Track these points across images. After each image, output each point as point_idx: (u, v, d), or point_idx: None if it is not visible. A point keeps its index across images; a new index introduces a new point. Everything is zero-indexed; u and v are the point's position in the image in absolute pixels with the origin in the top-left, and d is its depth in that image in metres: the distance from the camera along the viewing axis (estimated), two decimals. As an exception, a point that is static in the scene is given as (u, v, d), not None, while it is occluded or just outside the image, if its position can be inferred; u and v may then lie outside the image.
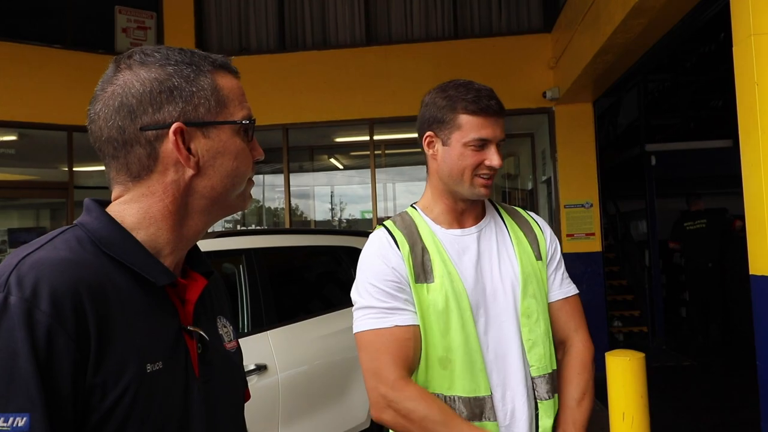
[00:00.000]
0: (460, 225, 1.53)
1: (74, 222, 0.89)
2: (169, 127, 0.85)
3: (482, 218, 1.57)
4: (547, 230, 1.63)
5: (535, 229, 1.60)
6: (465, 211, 1.54)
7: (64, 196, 7.47)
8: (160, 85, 0.86)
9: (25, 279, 0.74)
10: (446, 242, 1.50)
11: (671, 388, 5.69)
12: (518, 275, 1.49)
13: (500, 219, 1.59)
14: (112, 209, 0.89)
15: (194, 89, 0.87)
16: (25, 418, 0.69)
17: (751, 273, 2.76)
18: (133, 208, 0.88)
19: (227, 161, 0.89)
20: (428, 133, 1.54)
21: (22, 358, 0.70)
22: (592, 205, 7.10)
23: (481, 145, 1.45)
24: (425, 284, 1.43)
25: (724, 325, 7.78)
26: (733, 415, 4.83)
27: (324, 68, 7.67)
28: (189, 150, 0.87)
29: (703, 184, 8.42)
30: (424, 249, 1.47)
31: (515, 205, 1.72)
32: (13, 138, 7.53)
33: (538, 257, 1.55)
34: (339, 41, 8.02)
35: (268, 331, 3.15)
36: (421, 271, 1.44)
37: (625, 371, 2.77)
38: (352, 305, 4.30)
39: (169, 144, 0.86)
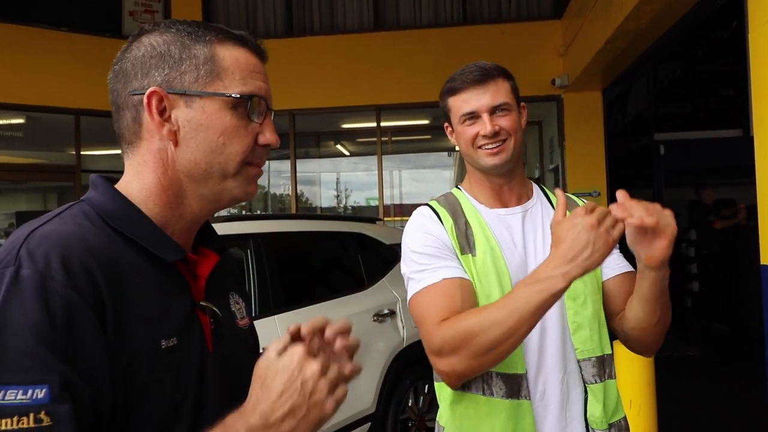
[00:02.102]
0: (504, 204, 1.51)
1: (81, 198, 0.87)
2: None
3: (528, 200, 1.54)
4: None
5: None
6: (503, 187, 1.50)
7: (71, 179, 7.50)
8: (152, 50, 0.85)
9: (36, 251, 0.72)
10: (490, 220, 1.48)
11: (676, 377, 5.69)
12: None
13: (548, 202, 1.56)
14: (121, 183, 0.88)
15: (184, 56, 0.84)
16: (44, 390, 0.67)
17: (762, 263, 2.73)
18: (136, 181, 0.87)
19: (211, 135, 0.85)
20: (445, 125, 1.56)
21: (39, 329, 0.69)
22: (599, 194, 7.07)
23: (472, 118, 1.45)
24: (470, 256, 1.42)
25: (729, 315, 7.78)
26: (738, 405, 4.84)
27: (331, 54, 7.63)
28: (170, 119, 0.84)
29: (712, 175, 8.37)
30: (467, 224, 1.46)
31: None
32: (20, 121, 7.54)
33: None
34: (347, 26, 7.97)
35: (275, 316, 3.16)
36: (466, 243, 1.43)
37: (632, 360, 2.77)
38: (359, 291, 4.25)
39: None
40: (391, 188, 9.21)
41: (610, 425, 1.43)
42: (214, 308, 0.89)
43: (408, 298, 1.44)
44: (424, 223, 1.47)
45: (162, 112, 0.84)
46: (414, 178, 10.43)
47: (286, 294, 3.37)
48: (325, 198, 10.28)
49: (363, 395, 3.56)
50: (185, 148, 0.85)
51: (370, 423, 3.59)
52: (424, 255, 1.41)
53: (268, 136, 0.89)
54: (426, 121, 8.95)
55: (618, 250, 1.54)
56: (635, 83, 8.63)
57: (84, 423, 0.70)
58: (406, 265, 1.46)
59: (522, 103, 1.53)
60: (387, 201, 8.41)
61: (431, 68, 7.18)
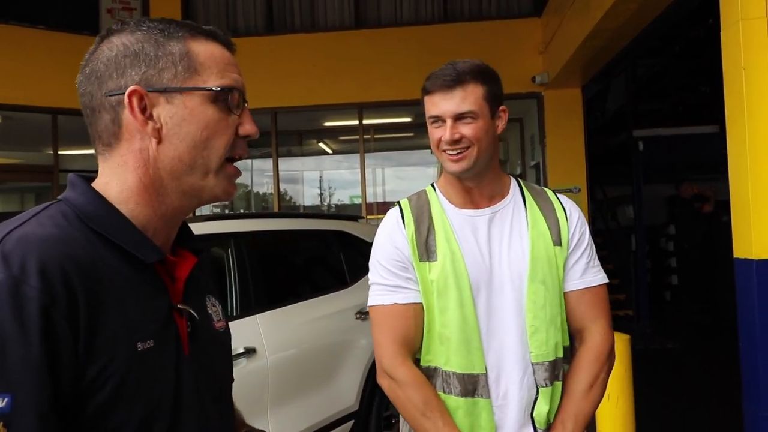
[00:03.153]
0: (474, 205, 1.52)
1: (58, 197, 0.86)
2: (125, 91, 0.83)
3: (501, 199, 1.54)
4: (575, 216, 1.56)
5: (558, 214, 1.54)
6: (473, 189, 1.52)
7: (49, 179, 7.40)
8: (125, 50, 0.84)
9: (11, 255, 0.71)
10: (456, 222, 1.50)
11: (655, 370, 5.78)
12: (527, 260, 1.47)
13: (522, 201, 1.56)
14: (97, 184, 0.87)
15: (160, 53, 0.84)
16: (6, 399, 0.66)
17: (735, 256, 2.79)
18: (114, 182, 0.86)
19: (194, 130, 0.85)
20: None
21: (9, 336, 0.67)
22: (579, 190, 7.14)
23: (437, 122, 1.47)
24: (428, 263, 1.47)
25: (708, 307, 7.92)
26: (714, 396, 4.92)
27: (312, 51, 7.61)
28: (152, 117, 0.84)
29: (690, 170, 8.50)
30: (430, 228, 1.49)
31: None
32: (-4, 121, 7.42)
33: (557, 242, 1.51)
34: (328, 24, 7.96)
35: (256, 315, 3.15)
36: (425, 250, 1.48)
37: (610, 353, 2.81)
38: (341, 289, 4.26)
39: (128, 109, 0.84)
40: (374, 186, 9.22)
41: (549, 424, 1.49)
42: (191, 311, 0.89)
43: (368, 303, 1.54)
44: (392, 233, 1.53)
45: (143, 110, 0.84)
46: (397, 176, 10.44)
47: (268, 293, 3.37)
48: (308, 196, 10.26)
49: (346, 393, 3.57)
50: (168, 145, 0.85)
51: (353, 420, 3.60)
52: (387, 270, 1.50)
53: (247, 127, 0.90)
54: (408, 119, 8.96)
55: (590, 258, 1.55)
56: (614, 80, 8.72)
57: None
58: (370, 271, 1.55)
59: (501, 107, 1.52)
60: (370, 199, 8.41)
61: (413, 65, 7.19)
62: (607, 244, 9.01)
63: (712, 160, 5.97)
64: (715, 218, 7.87)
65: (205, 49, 0.88)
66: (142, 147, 0.85)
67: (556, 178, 7.18)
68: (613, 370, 2.83)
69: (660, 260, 9.02)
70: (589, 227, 1.61)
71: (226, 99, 0.87)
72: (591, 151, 7.61)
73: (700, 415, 4.60)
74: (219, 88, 0.86)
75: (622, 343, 2.84)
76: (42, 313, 0.69)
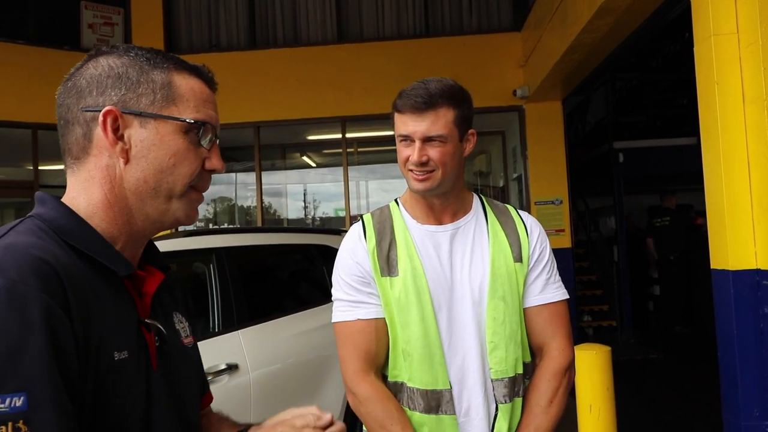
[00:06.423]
0: (437, 221, 1.53)
1: (28, 215, 0.87)
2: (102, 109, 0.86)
3: (464, 215, 1.55)
4: (536, 233, 1.57)
5: (519, 231, 1.55)
6: (436, 206, 1.52)
7: (29, 195, 7.30)
8: (110, 71, 0.88)
9: (3, 261, 0.72)
10: (418, 237, 1.51)
11: (638, 380, 5.82)
12: (488, 276, 1.47)
13: (484, 217, 1.56)
14: (66, 200, 0.89)
15: (142, 79, 0.88)
16: (22, 398, 0.67)
17: (712, 267, 2.83)
18: (82, 197, 0.88)
19: (163, 155, 0.88)
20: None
21: (15, 336, 0.68)
22: (561, 202, 7.20)
23: (406, 141, 1.47)
24: (389, 278, 1.47)
25: (690, 318, 7.99)
26: (696, 406, 4.96)
27: (295, 65, 7.63)
28: (122, 138, 0.86)
29: (669, 181, 8.62)
30: (392, 244, 1.49)
31: None
32: (-26, 136, 7.32)
33: (518, 259, 1.51)
34: (310, 38, 7.99)
35: (239, 331, 3.13)
36: (386, 265, 1.48)
37: (592, 365, 2.83)
38: (324, 303, 4.25)
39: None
40: (358, 199, 9.22)
41: None
42: (159, 326, 0.90)
43: (332, 318, 1.54)
44: (354, 248, 1.53)
45: (116, 131, 0.86)
46: (381, 188, 10.45)
47: (251, 308, 3.35)
48: (292, 209, 10.22)
49: (329, 408, 3.54)
50: (135, 166, 0.87)
51: (337, 436, 3.58)
52: (349, 285, 1.50)
53: (214, 162, 0.93)
54: (391, 132, 8.95)
55: (550, 275, 1.56)
56: (594, 93, 8.84)
57: (66, 428, 0.70)
58: (333, 286, 1.55)
59: (470, 131, 1.52)
60: (354, 212, 8.40)
61: (395, 79, 7.20)
62: (589, 255, 9.09)
63: (691, 171, 6.06)
64: (696, 229, 7.97)
65: (186, 83, 0.91)
66: (110, 164, 0.87)
67: (538, 190, 7.24)
68: (594, 382, 2.86)
69: (642, 270, 9.10)
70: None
71: (197, 132, 0.90)
72: (572, 162, 7.69)
73: (682, 426, 4.63)
74: (192, 121, 0.89)
75: (602, 355, 2.87)
76: (44, 309, 0.71)
